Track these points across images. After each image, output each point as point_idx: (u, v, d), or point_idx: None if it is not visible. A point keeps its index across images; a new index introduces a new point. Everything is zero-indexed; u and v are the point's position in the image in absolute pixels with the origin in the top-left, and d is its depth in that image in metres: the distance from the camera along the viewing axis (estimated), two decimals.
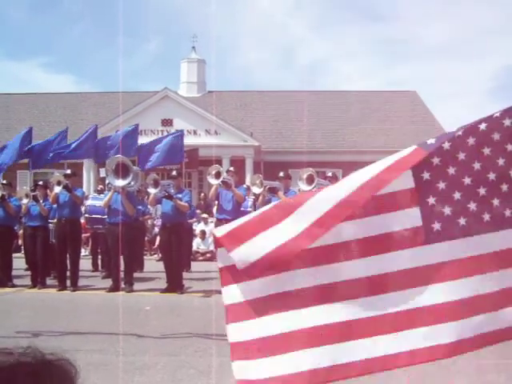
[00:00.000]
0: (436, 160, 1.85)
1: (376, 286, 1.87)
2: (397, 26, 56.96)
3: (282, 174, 9.49)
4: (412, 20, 58.23)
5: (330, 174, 9.24)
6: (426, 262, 1.84)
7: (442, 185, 1.85)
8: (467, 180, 1.84)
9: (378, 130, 23.83)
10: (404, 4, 58.25)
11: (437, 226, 1.84)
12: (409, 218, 1.86)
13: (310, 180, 8.77)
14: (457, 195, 1.85)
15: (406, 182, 1.86)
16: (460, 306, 1.82)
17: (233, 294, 1.99)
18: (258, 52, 63.69)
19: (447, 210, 1.85)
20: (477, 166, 1.84)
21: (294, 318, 1.90)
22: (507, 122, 1.82)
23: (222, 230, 2.05)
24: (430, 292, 1.83)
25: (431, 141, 1.91)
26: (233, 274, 1.96)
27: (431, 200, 1.86)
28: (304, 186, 8.86)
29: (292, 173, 10.28)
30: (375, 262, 1.87)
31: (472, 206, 1.84)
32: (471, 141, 1.84)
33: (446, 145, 1.85)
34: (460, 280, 1.83)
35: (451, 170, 1.86)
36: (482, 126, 1.83)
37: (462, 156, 1.85)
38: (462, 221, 1.84)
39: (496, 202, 1.83)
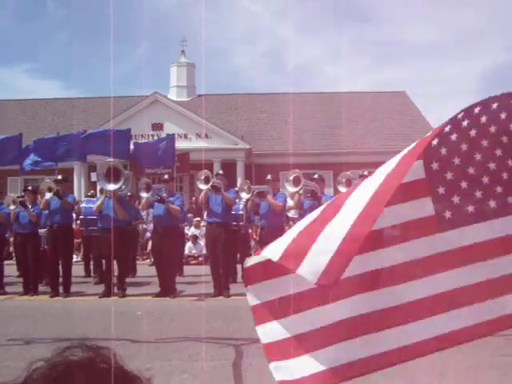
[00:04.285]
0: (443, 150, 1.93)
1: (394, 275, 1.94)
2: (384, 27, 57.29)
3: (269, 176, 9.52)
4: (400, 21, 58.62)
5: (316, 176, 9.35)
6: (440, 249, 1.93)
7: (449, 175, 1.94)
8: (471, 170, 1.94)
9: (367, 131, 23.92)
10: (391, 5, 58.63)
11: (448, 214, 1.93)
12: (422, 207, 1.94)
13: (296, 182, 8.86)
14: (463, 184, 1.94)
15: (418, 172, 1.95)
16: (475, 289, 1.89)
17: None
18: (246, 55, 63.84)
19: (456, 199, 1.93)
20: (478, 156, 1.94)
21: (323, 313, 1.96)
22: (503, 115, 1.90)
23: (276, 253, 1.95)
24: (448, 278, 1.91)
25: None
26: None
27: (441, 189, 1.94)
28: (291, 188, 8.95)
29: (283, 175, 10.33)
30: (391, 252, 1.95)
31: (478, 193, 1.93)
32: (473, 133, 1.94)
33: (453, 136, 1.95)
34: (474, 264, 1.91)
35: (456, 161, 1.95)
36: (483, 119, 1.93)
37: (464, 147, 1.95)
38: (471, 208, 1.92)
39: (499, 189, 1.92)
